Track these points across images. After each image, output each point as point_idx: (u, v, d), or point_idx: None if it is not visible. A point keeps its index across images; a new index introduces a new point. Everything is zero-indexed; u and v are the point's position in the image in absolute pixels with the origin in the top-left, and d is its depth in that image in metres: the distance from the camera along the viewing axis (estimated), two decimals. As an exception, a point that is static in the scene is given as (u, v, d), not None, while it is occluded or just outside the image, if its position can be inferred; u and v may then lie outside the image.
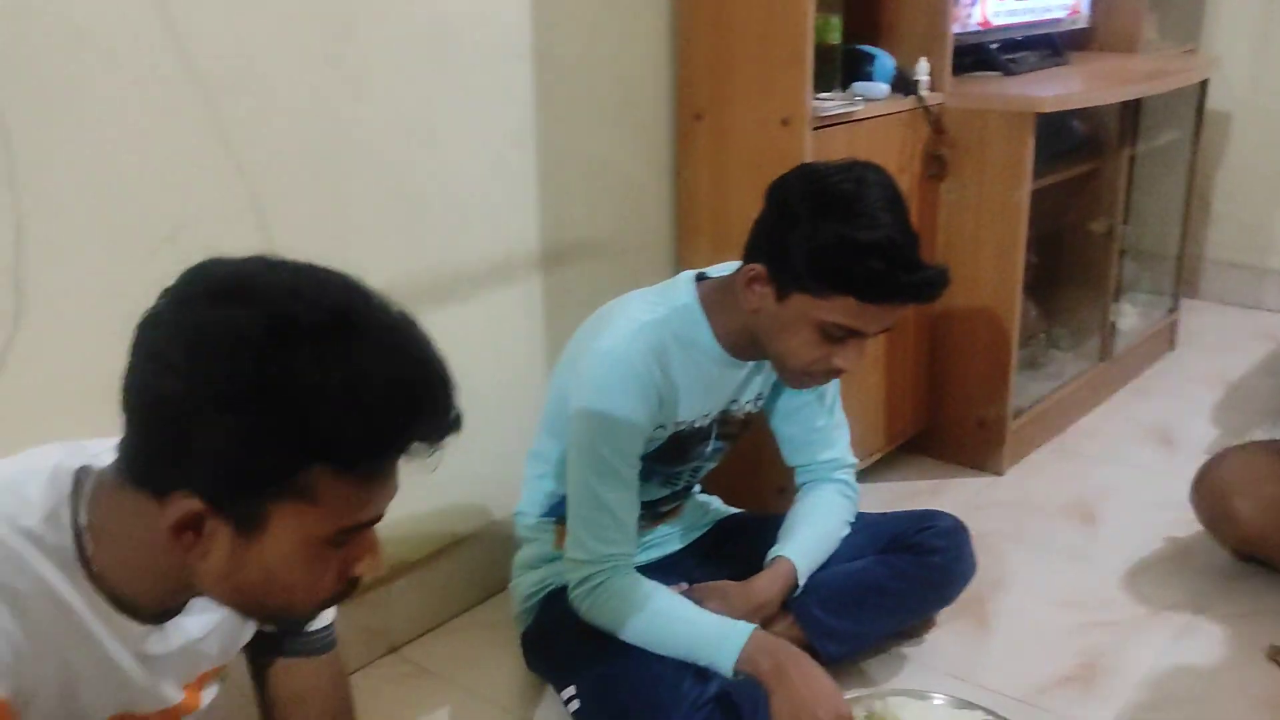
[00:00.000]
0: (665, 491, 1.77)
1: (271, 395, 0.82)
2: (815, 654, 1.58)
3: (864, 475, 2.36)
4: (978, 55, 2.59)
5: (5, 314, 1.28)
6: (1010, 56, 2.62)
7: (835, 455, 1.82)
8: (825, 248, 1.42)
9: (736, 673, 1.51)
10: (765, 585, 1.67)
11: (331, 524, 0.90)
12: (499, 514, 2.01)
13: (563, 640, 1.63)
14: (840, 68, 2.15)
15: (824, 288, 1.43)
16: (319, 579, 0.94)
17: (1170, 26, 3.47)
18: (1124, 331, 3.01)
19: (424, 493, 1.91)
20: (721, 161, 2.14)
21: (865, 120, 2.14)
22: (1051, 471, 2.51)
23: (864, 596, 1.72)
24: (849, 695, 1.58)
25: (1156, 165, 3.11)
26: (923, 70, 2.27)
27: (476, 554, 2.01)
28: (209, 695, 1.13)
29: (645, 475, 1.68)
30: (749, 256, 1.52)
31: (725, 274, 1.62)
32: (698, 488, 1.91)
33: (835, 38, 2.11)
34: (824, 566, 1.76)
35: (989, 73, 2.59)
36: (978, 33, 2.56)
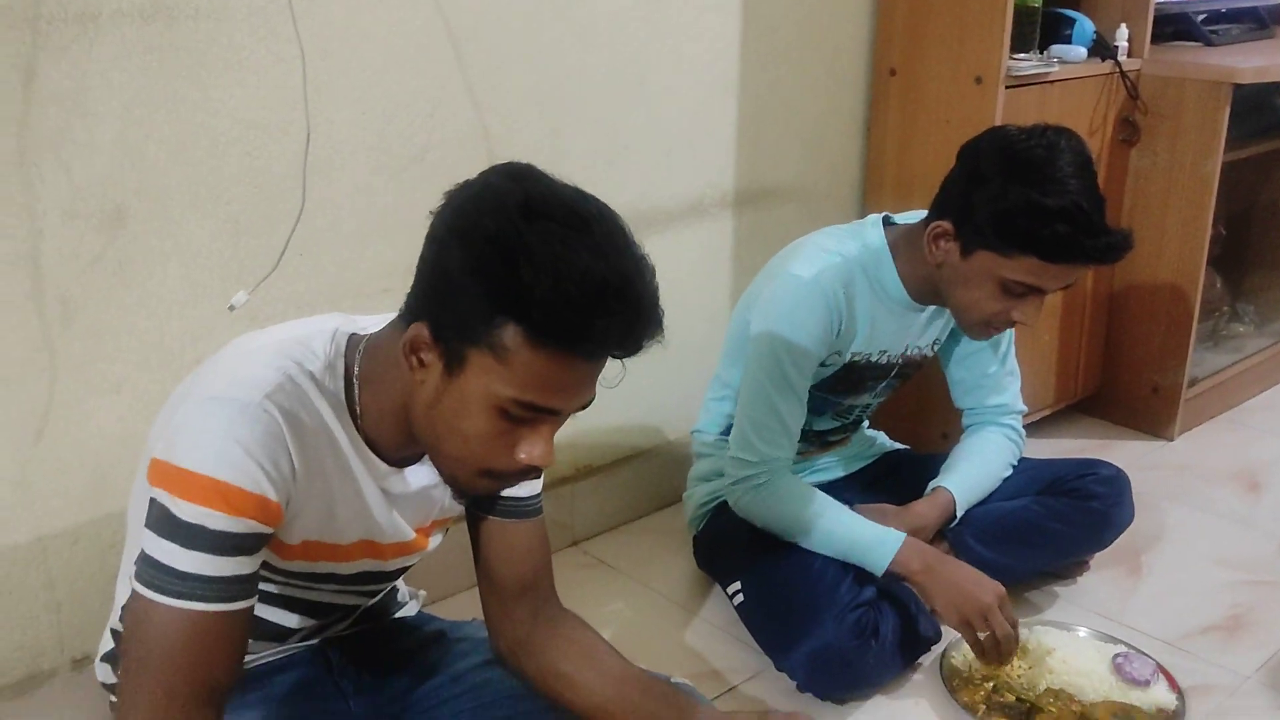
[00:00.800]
0: (835, 424, 1.90)
1: (499, 245, 0.98)
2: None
3: (1031, 430, 2.41)
4: (1179, 25, 2.58)
5: (293, 209, 1.53)
6: (1213, 28, 2.60)
7: (1004, 401, 1.92)
8: (1013, 210, 1.50)
9: (887, 575, 1.64)
10: (923, 511, 1.79)
11: (513, 389, 1.01)
12: (677, 433, 2.19)
13: (731, 543, 1.80)
14: (1039, 30, 2.20)
15: (1009, 247, 1.52)
16: (490, 441, 1.05)
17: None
18: (1314, 311, 2.94)
19: (613, 407, 2.10)
20: (912, 116, 2.23)
21: (1059, 82, 2.20)
22: (1221, 441, 2.52)
23: (1019, 533, 1.82)
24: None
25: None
26: (1122, 36, 2.31)
27: (655, 467, 2.20)
28: (435, 541, 1.34)
29: (818, 408, 1.82)
30: (936, 213, 1.63)
31: (911, 221, 1.73)
32: (865, 422, 2.04)
33: (1036, 0, 2.17)
34: (982, 503, 1.86)
35: (1190, 42, 2.58)
36: (1181, 2, 2.56)
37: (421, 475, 1.21)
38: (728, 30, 2.06)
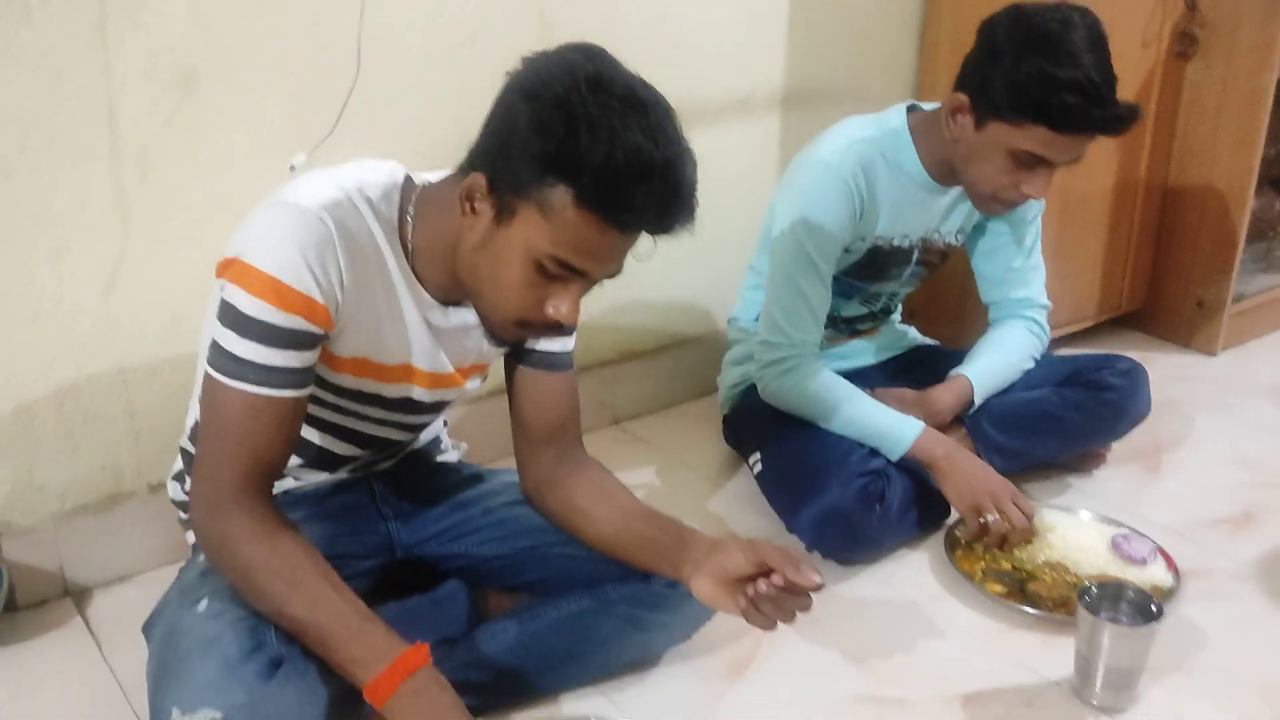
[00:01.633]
0: (863, 310, 1.98)
1: (564, 109, 1.08)
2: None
3: (1072, 342, 2.49)
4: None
5: (348, 76, 1.65)
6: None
7: (1028, 294, 1.97)
8: (1025, 80, 1.56)
9: (903, 460, 1.73)
10: (940, 396, 1.87)
11: (553, 245, 1.13)
12: (718, 324, 2.29)
13: (756, 419, 1.90)
14: (1093, -64, 2.21)
15: (1020, 117, 1.58)
16: (524, 292, 1.17)
17: None
18: (1383, 239, 2.90)
19: (656, 296, 2.23)
20: (964, 24, 2.23)
21: (1114, -12, 2.21)
22: (1264, 358, 2.54)
23: (1035, 420, 1.89)
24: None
25: None
26: (1182, -55, 2.30)
27: (695, 356, 2.30)
28: (473, 384, 1.47)
29: (846, 293, 1.91)
30: (955, 89, 1.69)
31: (937, 106, 1.79)
32: (896, 315, 2.11)
33: (1090, -95, 2.18)
34: (1002, 394, 1.93)
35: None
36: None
37: (463, 315, 1.33)
38: (781, -73, 2.11)
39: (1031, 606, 1.61)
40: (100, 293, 1.57)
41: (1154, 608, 1.43)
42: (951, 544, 1.74)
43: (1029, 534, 1.71)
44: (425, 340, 1.33)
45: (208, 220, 1.60)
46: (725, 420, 2.04)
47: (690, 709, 1.43)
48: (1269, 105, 2.33)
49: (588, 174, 1.09)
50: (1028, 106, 1.57)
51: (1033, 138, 1.59)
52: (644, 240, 1.18)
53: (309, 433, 1.39)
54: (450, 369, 1.39)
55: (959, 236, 1.93)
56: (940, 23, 2.30)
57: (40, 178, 1.47)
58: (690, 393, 2.32)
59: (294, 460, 1.42)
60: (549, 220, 1.12)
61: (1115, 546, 1.72)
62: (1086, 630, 1.42)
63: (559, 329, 1.26)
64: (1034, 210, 1.94)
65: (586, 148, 1.08)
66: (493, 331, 1.28)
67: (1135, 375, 1.91)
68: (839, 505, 1.66)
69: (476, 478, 1.59)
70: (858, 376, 1.96)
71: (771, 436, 1.83)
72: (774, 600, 1.25)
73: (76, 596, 1.65)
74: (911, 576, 1.72)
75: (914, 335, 2.14)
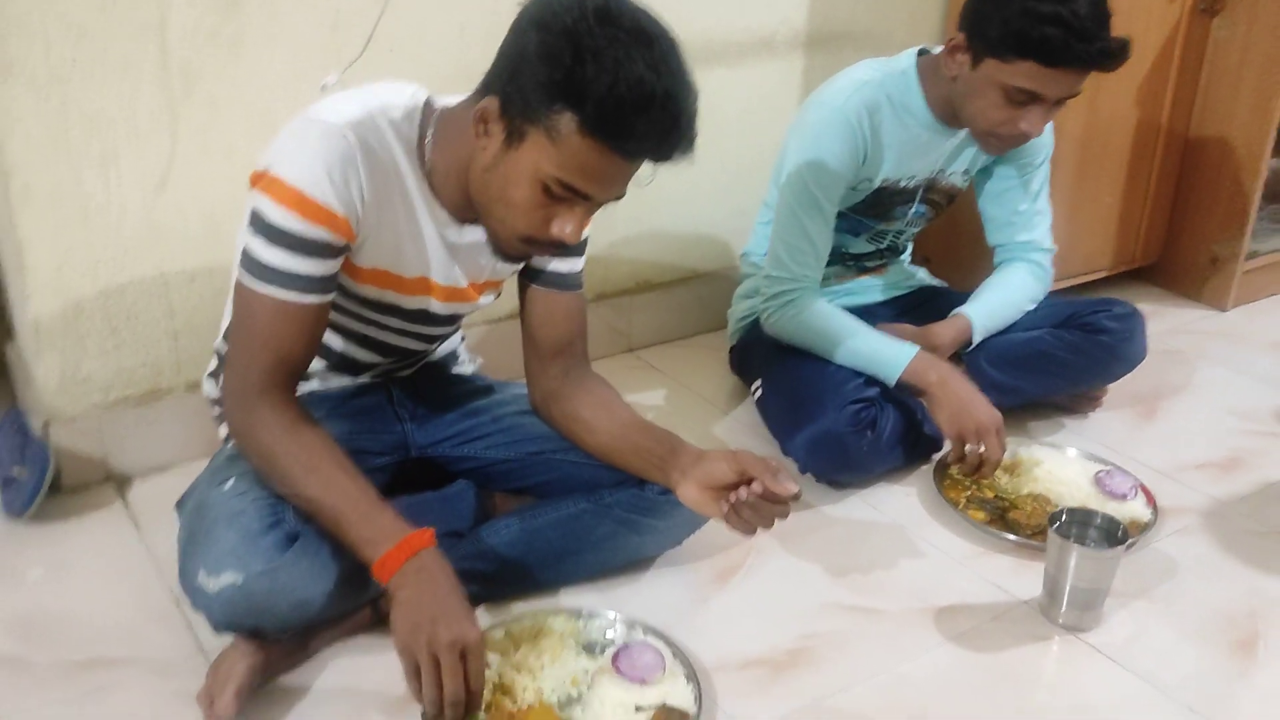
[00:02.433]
0: (871, 248, 2.05)
1: (572, 40, 1.15)
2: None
3: (1086, 290, 2.54)
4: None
5: (379, 2, 1.73)
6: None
7: (1033, 238, 2.03)
8: (1013, 15, 1.61)
9: (899, 385, 1.80)
10: (939, 331, 1.94)
11: (558, 169, 1.19)
12: (734, 260, 2.36)
13: (760, 349, 1.98)
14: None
15: (1010, 53, 1.63)
16: (531, 211, 1.25)
17: None
18: None
19: (674, 229, 2.31)
20: (988, -31, 2.29)
21: (1140, -57, 2.23)
22: (1275, 316, 2.58)
23: (1031, 360, 1.95)
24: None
25: None
26: (1213, -102, 2.31)
27: (710, 290, 2.38)
28: (485, 299, 1.56)
29: (853, 229, 1.97)
30: (958, 29, 1.74)
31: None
32: (906, 255, 2.17)
33: None
34: (1002, 333, 1.99)
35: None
36: None
37: (477, 233, 1.41)
38: None
39: (1010, 533, 1.69)
40: (145, 199, 1.67)
41: (1120, 534, 1.51)
42: (940, 473, 1.83)
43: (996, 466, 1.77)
44: (442, 255, 1.42)
45: (246, 133, 1.69)
46: (732, 350, 2.12)
47: (679, 609, 1.53)
48: (1292, 63, 2.35)
49: (592, 102, 1.15)
50: (1015, 42, 1.62)
51: (1023, 73, 1.64)
52: (646, 167, 1.24)
53: (332, 339, 1.50)
54: (465, 284, 1.48)
55: (965, 178, 1.99)
56: (968, -30, 2.33)
57: (92, 86, 1.57)
58: (703, 325, 2.40)
59: (319, 364, 1.53)
60: (555, 145, 1.19)
61: (1098, 482, 1.79)
62: (1055, 552, 1.50)
63: (563, 247, 1.34)
64: (1041, 155, 1.99)
65: (592, 77, 1.14)
66: (500, 248, 1.37)
67: (1131, 320, 1.97)
68: (831, 429, 1.74)
69: (489, 388, 1.69)
70: (864, 312, 2.03)
71: (773, 365, 1.92)
72: (753, 507, 1.35)
73: (118, 482, 1.77)
74: (899, 501, 1.81)
75: (922, 276, 2.20)
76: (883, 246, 2.06)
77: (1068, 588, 1.49)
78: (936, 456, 1.88)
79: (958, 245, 2.35)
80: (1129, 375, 2.03)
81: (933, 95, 1.82)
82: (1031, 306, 2.02)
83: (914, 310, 2.09)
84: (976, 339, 1.96)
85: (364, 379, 1.59)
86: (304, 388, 1.55)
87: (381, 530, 1.27)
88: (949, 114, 1.82)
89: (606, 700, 1.33)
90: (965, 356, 1.96)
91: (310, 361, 1.36)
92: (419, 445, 1.60)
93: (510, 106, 1.21)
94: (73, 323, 1.68)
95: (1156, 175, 2.53)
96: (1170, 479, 1.89)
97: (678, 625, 1.48)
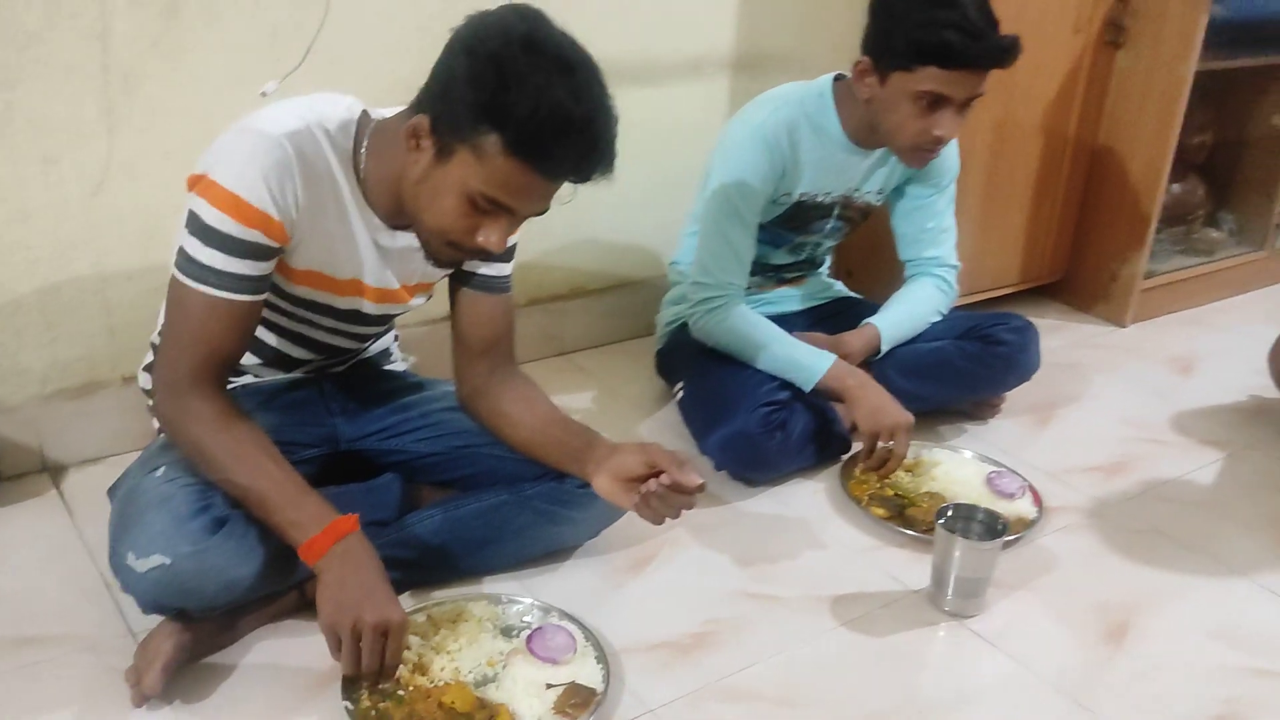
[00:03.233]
0: (790, 259, 2.16)
1: (495, 64, 1.22)
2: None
3: (995, 305, 2.67)
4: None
5: (318, 15, 1.81)
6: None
7: (939, 254, 2.15)
8: (912, 27, 1.73)
9: (816, 390, 1.91)
10: (850, 340, 2.05)
11: (483, 185, 1.27)
12: (663, 268, 2.46)
13: (684, 353, 2.08)
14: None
15: (912, 62, 1.74)
16: (458, 221, 1.32)
17: None
18: (1301, 230, 3.09)
19: (608, 237, 2.40)
20: None
21: (1047, -21, 2.37)
22: (1171, 332, 2.73)
23: (933, 369, 2.08)
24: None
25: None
26: (1114, -61, 2.45)
27: (639, 297, 2.48)
28: (416, 300, 1.64)
29: (775, 242, 2.08)
30: (862, 51, 1.85)
31: None
32: (825, 268, 2.29)
33: (1027, -103, 2.33)
34: (909, 343, 2.12)
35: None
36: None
37: (409, 238, 1.48)
38: (733, -101, 2.27)
39: (907, 528, 1.81)
40: (85, 199, 1.73)
41: (1000, 527, 1.62)
42: (847, 472, 1.94)
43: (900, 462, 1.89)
44: (374, 259, 1.50)
45: (185, 138, 1.76)
46: (658, 354, 2.22)
47: (594, 595, 1.62)
48: (1186, 93, 2.50)
49: (514, 125, 1.23)
50: (916, 51, 1.74)
51: (928, 78, 1.75)
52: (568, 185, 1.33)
53: (267, 336, 1.57)
54: (396, 285, 1.56)
55: (879, 197, 2.11)
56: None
57: (37, 91, 1.64)
58: (633, 331, 2.50)
59: (253, 360, 1.60)
60: (481, 163, 1.27)
61: (989, 482, 1.92)
62: (941, 544, 1.61)
63: (489, 254, 1.42)
64: (948, 176, 2.11)
65: (515, 101, 1.22)
66: (430, 253, 1.45)
67: (1026, 333, 2.10)
68: (743, 430, 1.85)
69: (418, 385, 1.77)
70: (782, 321, 2.13)
71: (694, 368, 2.02)
72: (662, 497, 1.44)
73: (53, 472, 1.83)
74: (806, 498, 1.92)
75: (839, 288, 2.31)
76: (801, 259, 2.17)
77: (952, 577, 1.61)
78: (845, 457, 1.99)
79: (877, 260, 2.46)
80: (1028, 384, 2.16)
81: (847, 117, 1.93)
82: (937, 319, 2.14)
83: (829, 319, 2.21)
84: (885, 348, 2.08)
85: (297, 374, 1.67)
86: (238, 382, 1.62)
87: (308, 515, 1.34)
88: (862, 136, 1.93)
89: (519, 679, 1.42)
90: (874, 365, 2.07)
91: (240, 357, 1.43)
92: (348, 439, 1.68)
93: (440, 124, 1.29)
94: (11, 316, 1.74)
95: (1062, 197, 2.68)
96: (1058, 480, 2.01)
97: (592, 610, 1.57)
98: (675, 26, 2.29)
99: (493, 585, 1.63)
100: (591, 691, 1.41)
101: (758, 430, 1.85)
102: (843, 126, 1.94)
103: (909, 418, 1.85)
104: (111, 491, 1.51)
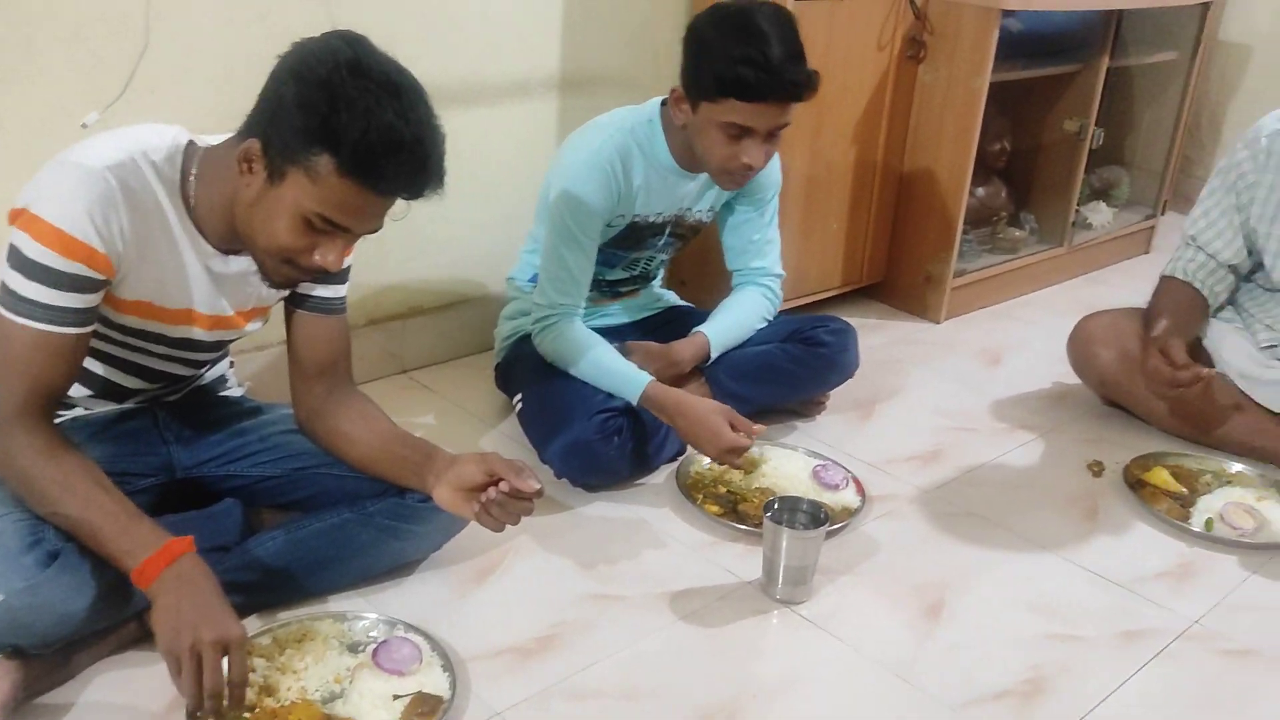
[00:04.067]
0: (625, 275, 2.24)
1: (327, 90, 1.27)
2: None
3: (820, 307, 2.82)
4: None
5: (139, 44, 1.80)
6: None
7: (764, 265, 2.27)
8: (714, 61, 1.83)
9: (641, 404, 1.99)
10: (681, 349, 2.15)
11: (318, 205, 1.32)
12: (499, 286, 2.50)
13: (522, 366, 2.14)
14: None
15: (716, 94, 1.85)
16: (294, 241, 1.36)
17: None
18: (1096, 227, 3.36)
19: (443, 258, 2.44)
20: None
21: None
22: (981, 326, 2.93)
23: (761, 372, 2.19)
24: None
25: (1153, 81, 3.41)
26: (911, -39, 2.63)
27: (476, 313, 2.52)
28: (253, 326, 1.65)
29: (611, 261, 2.16)
30: (681, 84, 1.95)
31: None
32: (658, 280, 2.38)
33: (830, -76, 2.48)
34: (738, 348, 2.22)
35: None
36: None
37: (243, 263, 1.51)
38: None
39: (740, 523, 1.91)
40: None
41: (823, 516, 1.74)
42: (683, 474, 2.03)
43: (750, 462, 2.02)
44: (206, 286, 1.51)
45: (7, 172, 1.72)
46: (497, 368, 2.27)
47: (440, 607, 1.66)
48: (983, 104, 2.70)
49: (346, 147, 1.28)
50: (719, 84, 1.84)
51: (730, 110, 1.85)
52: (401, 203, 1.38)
53: (96, 366, 1.55)
54: (230, 312, 1.57)
55: (710, 214, 2.21)
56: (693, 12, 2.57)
57: None
58: (472, 346, 2.54)
59: (84, 391, 1.58)
60: (314, 184, 1.31)
61: (815, 475, 2.03)
62: (769, 536, 1.71)
63: (325, 274, 1.46)
64: (771, 191, 2.23)
65: (346, 124, 1.27)
66: (267, 275, 1.47)
67: (845, 334, 2.24)
68: (581, 437, 1.92)
69: (255, 410, 1.77)
70: (616, 332, 2.23)
71: (532, 380, 2.08)
72: (501, 505, 1.50)
73: None
74: (645, 500, 2.00)
75: (670, 298, 2.41)
76: (635, 274, 2.25)
77: (781, 567, 1.71)
78: (682, 458, 2.08)
79: (708, 270, 2.57)
80: (852, 381, 2.30)
81: (674, 142, 2.02)
82: (763, 324, 2.26)
83: (662, 328, 2.30)
84: (714, 355, 2.18)
85: (130, 404, 1.65)
86: (67, 416, 1.60)
87: (139, 540, 1.34)
88: (688, 159, 2.03)
89: (366, 693, 1.45)
90: (706, 370, 2.18)
91: (67, 389, 1.42)
92: (184, 466, 1.67)
93: (271, 148, 1.32)
94: None
95: (876, 205, 2.84)
96: (879, 470, 2.15)
97: (439, 621, 1.61)
98: (501, 48, 2.35)
99: (339, 603, 1.65)
100: (439, 699, 1.45)
101: (595, 437, 1.92)
102: (670, 151, 2.03)
103: (730, 411, 1.93)
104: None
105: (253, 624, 1.56)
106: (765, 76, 1.80)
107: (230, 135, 1.42)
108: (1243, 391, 2.26)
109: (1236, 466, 2.20)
